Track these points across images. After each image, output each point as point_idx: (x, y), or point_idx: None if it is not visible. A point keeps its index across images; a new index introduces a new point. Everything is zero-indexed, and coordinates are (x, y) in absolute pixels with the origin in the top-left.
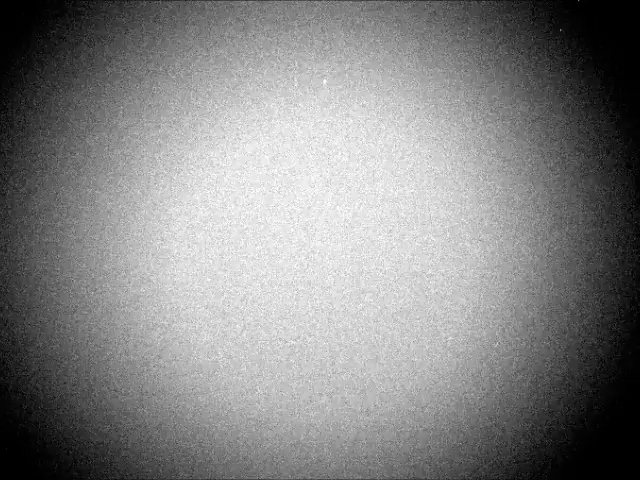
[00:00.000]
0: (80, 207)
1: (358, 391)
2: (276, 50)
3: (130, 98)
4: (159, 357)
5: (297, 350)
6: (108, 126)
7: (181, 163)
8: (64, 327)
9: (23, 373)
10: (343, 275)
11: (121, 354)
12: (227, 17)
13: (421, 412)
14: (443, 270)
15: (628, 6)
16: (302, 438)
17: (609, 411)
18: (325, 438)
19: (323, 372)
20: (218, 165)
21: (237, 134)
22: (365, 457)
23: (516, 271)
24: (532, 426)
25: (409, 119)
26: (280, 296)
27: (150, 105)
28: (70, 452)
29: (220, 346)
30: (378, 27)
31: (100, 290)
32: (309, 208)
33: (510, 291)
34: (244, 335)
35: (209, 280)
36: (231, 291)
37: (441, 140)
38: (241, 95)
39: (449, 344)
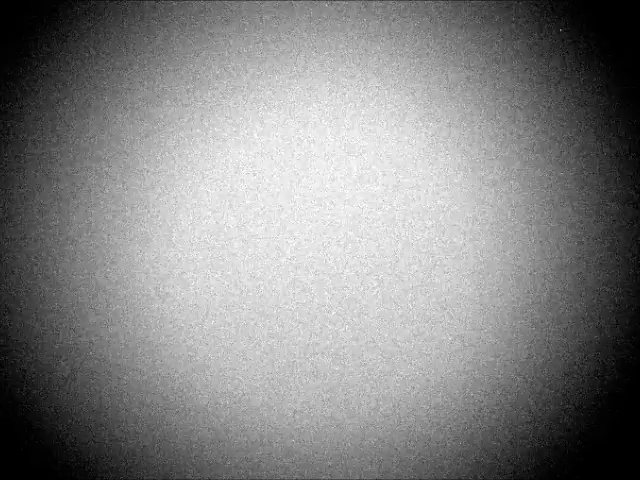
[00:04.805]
0: (81, 207)
1: (358, 391)
2: (278, 52)
3: (132, 98)
4: (159, 357)
5: (296, 350)
6: (109, 127)
7: (184, 163)
8: (63, 327)
9: (21, 371)
10: (343, 276)
11: (120, 353)
12: (230, 17)
13: (421, 412)
14: (444, 271)
15: (628, 6)
16: (301, 438)
17: (609, 410)
18: (325, 438)
19: (323, 372)
20: (219, 165)
21: (237, 135)
22: (365, 457)
23: (517, 272)
24: (533, 426)
25: (411, 121)
26: (281, 296)
27: (150, 106)
28: (68, 452)
29: (220, 345)
30: (379, 28)
31: (100, 290)
32: (310, 209)
33: (511, 292)
34: (244, 335)
35: (210, 279)
36: (232, 291)
37: (443, 142)
38: (244, 95)
39: (449, 345)
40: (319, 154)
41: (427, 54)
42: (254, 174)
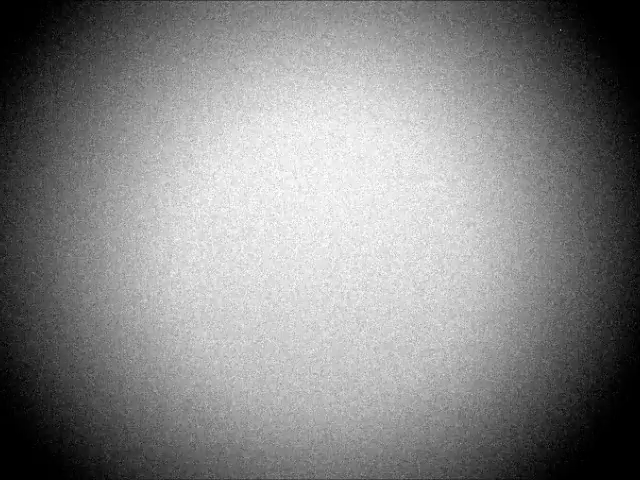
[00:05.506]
0: (84, 208)
1: (358, 392)
2: (282, 53)
3: (135, 99)
4: (159, 357)
5: (298, 351)
6: (111, 131)
7: (186, 164)
8: (64, 327)
9: (22, 371)
10: (344, 277)
11: (121, 354)
12: (232, 18)
13: (421, 413)
14: (444, 272)
15: (628, 6)
16: (301, 439)
17: (609, 411)
18: (324, 438)
19: (323, 373)
20: (220, 166)
21: (240, 137)
22: (365, 458)
23: (517, 274)
24: (532, 427)
25: (413, 124)
26: (281, 298)
27: (153, 106)
28: (68, 452)
29: (221, 347)
30: (380, 28)
31: (102, 291)
32: (311, 211)
33: (511, 293)
34: (245, 336)
35: (211, 281)
36: (232, 292)
37: (445, 144)
38: (247, 96)
39: (449, 345)
40: (321, 159)
41: (430, 56)
42: (255, 176)
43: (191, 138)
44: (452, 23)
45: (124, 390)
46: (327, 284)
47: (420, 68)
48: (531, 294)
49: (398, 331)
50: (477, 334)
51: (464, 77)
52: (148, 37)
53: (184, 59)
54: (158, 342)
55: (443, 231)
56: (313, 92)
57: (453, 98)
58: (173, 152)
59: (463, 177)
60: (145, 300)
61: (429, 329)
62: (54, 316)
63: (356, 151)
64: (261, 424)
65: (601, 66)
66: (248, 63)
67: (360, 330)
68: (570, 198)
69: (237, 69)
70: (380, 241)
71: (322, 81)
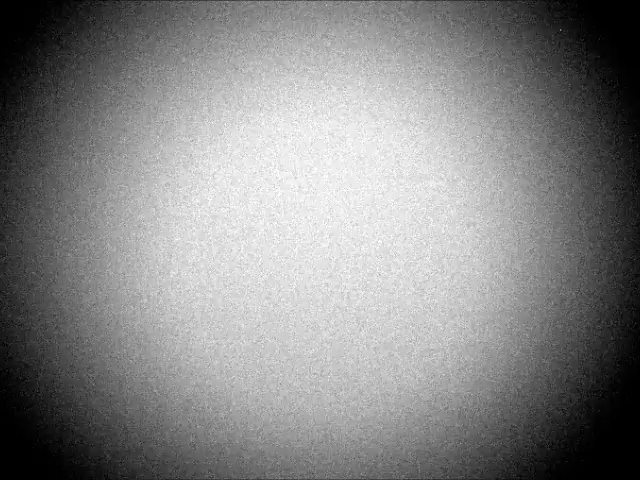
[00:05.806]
0: (84, 208)
1: (358, 392)
2: (282, 53)
3: (135, 99)
4: (159, 357)
5: (298, 351)
6: (109, 127)
7: (186, 164)
8: (64, 327)
9: (22, 371)
10: (344, 277)
11: (121, 354)
12: (232, 18)
13: (421, 413)
14: (444, 272)
15: (628, 6)
16: (301, 439)
17: (609, 411)
18: (324, 438)
19: (323, 373)
20: (220, 166)
21: (240, 137)
22: (365, 458)
23: (517, 274)
24: (532, 427)
25: (413, 124)
26: (281, 298)
27: (153, 106)
28: (68, 452)
29: (221, 347)
30: (380, 28)
31: (102, 291)
32: (311, 211)
33: (511, 293)
34: (245, 336)
35: (211, 281)
36: (232, 292)
37: (445, 144)
38: (247, 96)
39: (449, 345)
40: (321, 159)
41: (430, 56)
42: (255, 176)
43: (191, 138)
44: (452, 23)
45: (124, 390)
46: (327, 284)
47: (420, 68)
48: (531, 294)
49: (398, 331)
50: (477, 334)
51: (464, 77)
52: (148, 37)
53: (184, 59)
54: (158, 342)
55: (443, 231)
56: (313, 92)
57: (453, 98)
58: (173, 152)
59: (463, 177)
60: (145, 300)
61: (429, 329)
62: (54, 316)
63: (356, 151)
64: (261, 424)
65: (601, 66)
66: (248, 63)
67: (360, 330)
68: (570, 198)
69: (237, 69)
70: (380, 241)
71: (322, 81)
